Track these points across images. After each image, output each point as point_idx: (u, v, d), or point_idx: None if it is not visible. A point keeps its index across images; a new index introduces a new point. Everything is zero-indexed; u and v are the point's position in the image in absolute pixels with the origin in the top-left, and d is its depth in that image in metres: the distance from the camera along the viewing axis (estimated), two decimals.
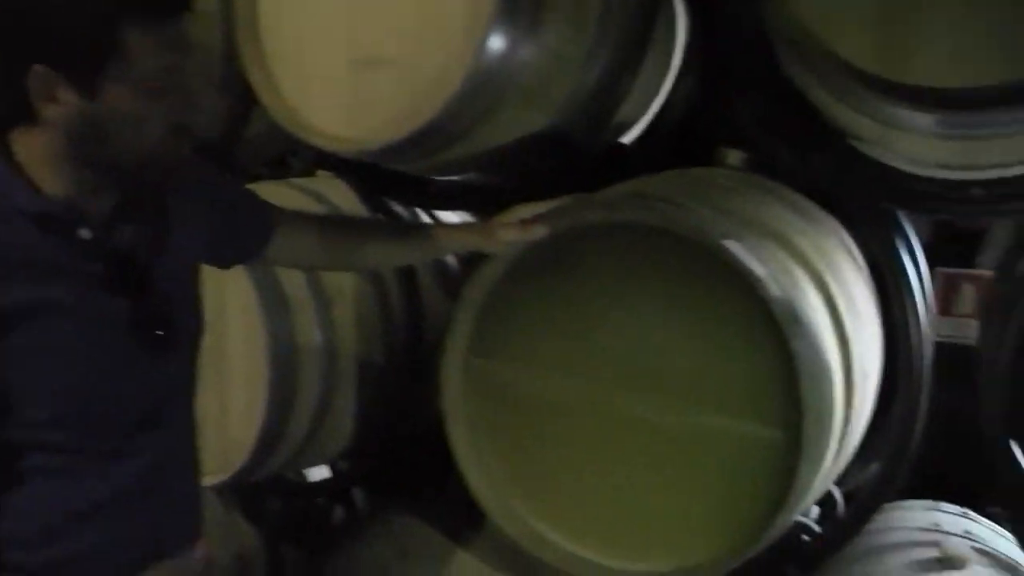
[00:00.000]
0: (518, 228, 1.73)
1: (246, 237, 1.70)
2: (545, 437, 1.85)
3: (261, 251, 1.71)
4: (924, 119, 1.67)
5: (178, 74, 1.35)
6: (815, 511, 2.22)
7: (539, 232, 1.72)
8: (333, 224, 1.89)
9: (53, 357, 1.36)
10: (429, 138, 1.83)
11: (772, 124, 2.10)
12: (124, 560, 1.50)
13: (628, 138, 2.38)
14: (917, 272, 2.12)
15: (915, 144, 1.86)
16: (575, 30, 1.99)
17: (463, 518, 2.00)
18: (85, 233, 1.38)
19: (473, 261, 2.20)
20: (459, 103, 1.79)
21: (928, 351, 2.05)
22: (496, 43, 1.77)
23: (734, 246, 1.61)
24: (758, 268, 1.60)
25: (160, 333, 1.44)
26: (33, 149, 1.35)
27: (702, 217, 1.70)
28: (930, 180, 2.00)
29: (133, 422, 1.46)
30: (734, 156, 2.20)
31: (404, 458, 2.55)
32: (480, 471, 1.89)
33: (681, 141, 2.47)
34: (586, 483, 1.84)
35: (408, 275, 2.39)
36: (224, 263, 1.74)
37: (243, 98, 2.42)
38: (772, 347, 1.62)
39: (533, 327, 1.81)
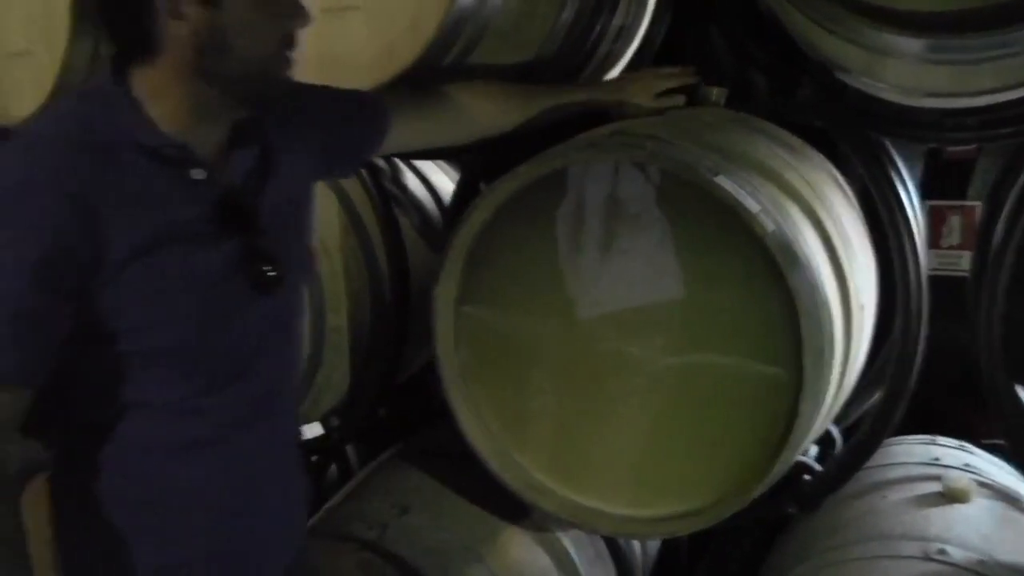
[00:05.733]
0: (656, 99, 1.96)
1: (362, 139, 1.72)
2: (540, 384, 1.83)
3: (378, 147, 1.74)
4: (914, 45, 1.64)
5: None
6: (814, 450, 2.21)
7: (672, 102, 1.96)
8: (442, 96, 1.85)
9: (163, 290, 1.38)
10: (404, 84, 1.79)
11: (754, 59, 2.07)
12: (225, 498, 1.53)
13: (607, 78, 2.33)
14: (911, 204, 2.10)
15: (904, 72, 1.82)
16: None
17: (462, 469, 1.98)
18: (198, 173, 1.41)
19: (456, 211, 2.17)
20: (434, 48, 1.74)
21: (924, 284, 2.03)
22: None
23: (726, 182, 1.58)
24: (751, 203, 1.57)
25: (269, 271, 1.46)
26: (152, 82, 1.39)
27: (691, 154, 1.66)
28: (919, 109, 1.97)
29: (239, 356, 1.48)
30: (717, 94, 2.16)
31: (395, 411, 2.53)
32: (477, 422, 1.87)
33: None
34: (584, 429, 1.83)
35: (391, 227, 2.35)
36: (344, 172, 1.84)
37: None
38: (768, 283, 1.60)
39: (522, 272, 1.78)
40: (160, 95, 1.39)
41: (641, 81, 1.99)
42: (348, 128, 1.68)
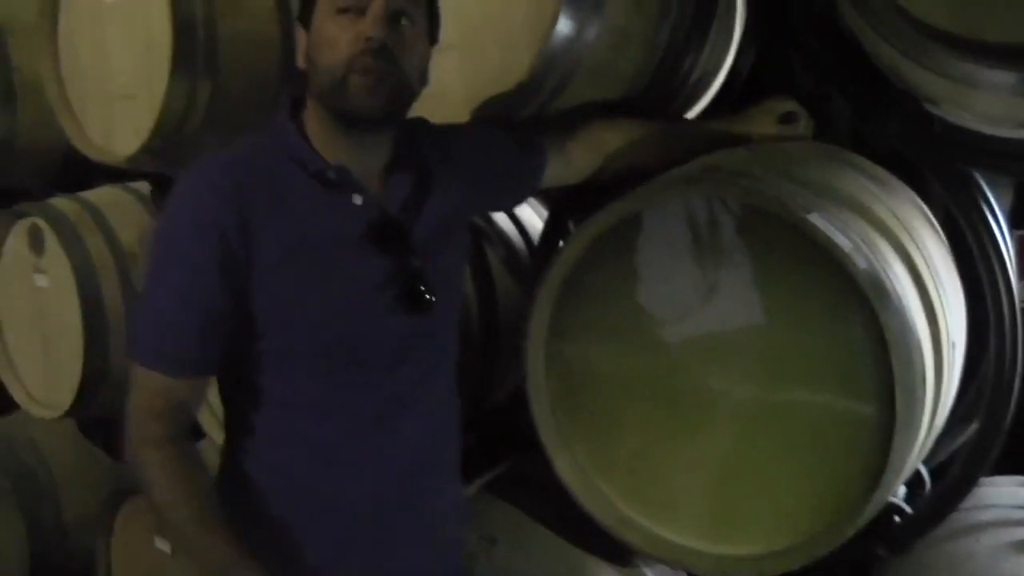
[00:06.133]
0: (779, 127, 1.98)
1: (522, 179, 1.81)
2: (628, 418, 1.83)
3: (537, 186, 1.84)
4: (1007, 77, 1.61)
5: None
6: (902, 490, 2.17)
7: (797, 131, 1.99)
8: (585, 132, 1.90)
9: (308, 294, 1.51)
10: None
11: (839, 89, 2.05)
12: (361, 503, 1.60)
13: (692, 112, 2.33)
14: (1001, 234, 2.06)
15: (994, 104, 1.79)
16: (639, 4, 1.96)
17: (549, 501, 1.98)
18: (357, 199, 1.55)
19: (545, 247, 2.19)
20: (528, 87, 1.77)
21: (1019, 319, 1.98)
22: (564, 26, 1.74)
23: (817, 219, 1.57)
24: (843, 241, 1.56)
25: (419, 290, 1.56)
26: (307, 113, 1.57)
27: (782, 190, 1.66)
28: (1011, 140, 1.94)
29: (380, 366, 1.58)
30: (805, 125, 2.15)
31: (480, 441, 2.53)
32: (566, 455, 1.87)
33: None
34: (673, 465, 1.81)
35: (479, 259, 2.37)
36: (503, 207, 2.02)
37: None
38: (859, 320, 1.58)
39: (611, 306, 1.79)
40: (312, 124, 1.55)
41: (765, 111, 2.03)
42: (509, 167, 1.76)
